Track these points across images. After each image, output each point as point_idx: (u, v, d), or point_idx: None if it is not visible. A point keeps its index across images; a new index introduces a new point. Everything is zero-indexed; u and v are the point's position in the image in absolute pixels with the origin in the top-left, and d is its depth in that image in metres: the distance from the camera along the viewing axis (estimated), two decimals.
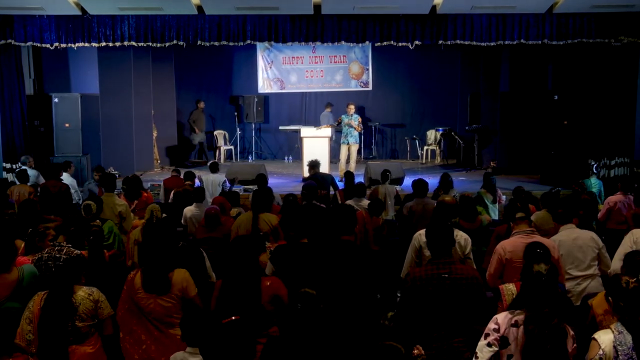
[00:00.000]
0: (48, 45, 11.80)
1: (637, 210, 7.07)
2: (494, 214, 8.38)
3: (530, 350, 3.33)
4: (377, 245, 6.80)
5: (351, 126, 12.68)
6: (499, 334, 3.44)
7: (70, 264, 4.09)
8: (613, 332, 3.40)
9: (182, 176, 10.16)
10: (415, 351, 3.74)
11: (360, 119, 13.00)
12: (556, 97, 12.85)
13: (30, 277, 4.44)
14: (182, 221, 7.67)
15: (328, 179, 9.63)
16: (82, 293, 4.02)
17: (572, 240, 5.41)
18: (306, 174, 10.74)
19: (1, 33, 11.65)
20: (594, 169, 10.52)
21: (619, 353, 3.34)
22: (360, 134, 13.43)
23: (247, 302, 3.94)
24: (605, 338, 3.43)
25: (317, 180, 8.84)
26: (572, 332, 3.43)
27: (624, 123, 12.35)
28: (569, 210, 5.72)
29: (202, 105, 16.01)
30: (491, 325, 3.50)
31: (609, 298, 3.88)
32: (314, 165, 9.87)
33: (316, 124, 14.84)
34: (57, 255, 4.63)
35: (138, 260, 4.46)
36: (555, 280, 3.55)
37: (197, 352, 3.50)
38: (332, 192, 9.60)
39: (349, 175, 9.68)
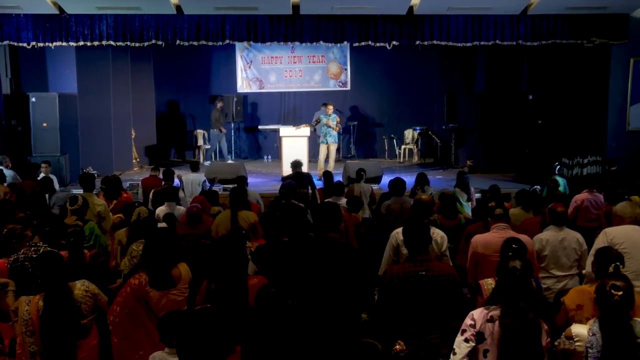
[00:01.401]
0: (25, 44, 11.69)
1: (609, 207, 7.23)
2: (468, 213, 8.51)
3: (506, 344, 3.38)
4: (356, 243, 6.88)
5: (329, 126, 12.76)
6: (475, 330, 3.48)
7: (54, 261, 3.99)
8: (588, 332, 3.47)
9: (160, 175, 10.15)
10: (397, 346, 3.80)
11: (338, 119, 13.09)
12: (531, 97, 13.04)
13: None
14: None
15: (306, 177, 9.72)
16: (79, 291, 3.98)
17: (559, 241, 5.55)
18: (285, 173, 10.80)
19: None
20: (557, 170, 10.76)
21: (589, 355, 3.44)
22: (338, 133, 13.52)
23: (234, 301, 3.89)
24: (580, 332, 3.53)
25: (295, 178, 8.92)
26: (546, 327, 3.50)
27: (596, 122, 12.57)
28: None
29: (220, 104, 15.57)
30: (467, 321, 3.54)
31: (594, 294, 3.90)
32: (297, 165, 9.95)
33: (295, 123, 14.86)
34: (34, 256, 4.53)
35: (140, 259, 4.40)
36: (529, 276, 3.61)
37: (175, 353, 3.50)
38: (309, 190, 9.69)
39: (327, 175, 9.76)
